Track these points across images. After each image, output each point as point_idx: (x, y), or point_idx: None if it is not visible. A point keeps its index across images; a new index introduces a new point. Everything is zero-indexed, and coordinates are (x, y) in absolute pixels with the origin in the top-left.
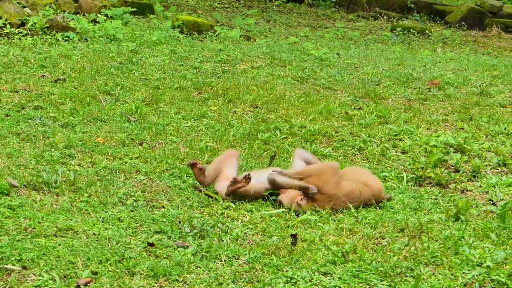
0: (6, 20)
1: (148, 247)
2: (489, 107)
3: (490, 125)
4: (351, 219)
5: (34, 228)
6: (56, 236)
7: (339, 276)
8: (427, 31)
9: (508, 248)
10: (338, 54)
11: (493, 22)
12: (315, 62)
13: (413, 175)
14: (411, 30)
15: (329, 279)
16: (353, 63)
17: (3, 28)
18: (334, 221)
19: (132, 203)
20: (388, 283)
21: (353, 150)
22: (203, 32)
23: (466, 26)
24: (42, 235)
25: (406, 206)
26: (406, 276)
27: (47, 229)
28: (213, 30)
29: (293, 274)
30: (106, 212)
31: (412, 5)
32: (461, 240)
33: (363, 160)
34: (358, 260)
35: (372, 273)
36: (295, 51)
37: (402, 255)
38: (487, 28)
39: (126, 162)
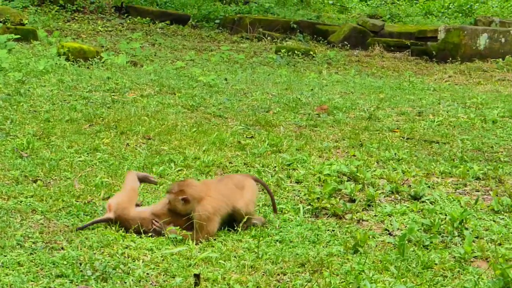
0: None
1: None
2: (378, 132)
3: (381, 151)
4: (252, 255)
5: None
6: None
7: None
8: (311, 52)
9: (408, 281)
10: (226, 79)
11: (375, 42)
12: (204, 88)
13: (309, 206)
14: (296, 52)
15: None
16: (241, 89)
17: None
18: (235, 257)
19: (31, 246)
20: None
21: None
22: (90, 59)
23: (349, 45)
24: None
25: (304, 239)
26: None
27: None
28: (99, 57)
29: None
30: (5, 256)
31: (295, 26)
32: (362, 274)
33: (259, 191)
34: None
35: None
36: (183, 77)
37: None
38: (370, 47)
39: (21, 201)
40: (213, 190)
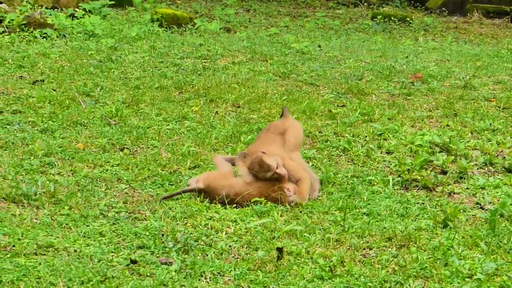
0: None
1: (131, 264)
2: (473, 101)
3: (475, 121)
4: (338, 228)
5: (13, 246)
6: (36, 254)
7: None
8: (408, 19)
9: (498, 258)
10: (319, 46)
11: (474, 8)
12: (297, 55)
13: (399, 178)
14: (392, 18)
15: None
16: (335, 56)
17: None
18: (321, 230)
19: (114, 215)
20: None
21: (337, 151)
22: (183, 25)
23: (447, 12)
24: (22, 254)
25: (393, 213)
26: None
27: (27, 247)
28: (192, 23)
29: None
30: (87, 226)
31: None
32: (450, 250)
33: (348, 162)
34: (346, 275)
35: None
36: (276, 44)
37: (390, 268)
38: (468, 14)
39: (107, 170)
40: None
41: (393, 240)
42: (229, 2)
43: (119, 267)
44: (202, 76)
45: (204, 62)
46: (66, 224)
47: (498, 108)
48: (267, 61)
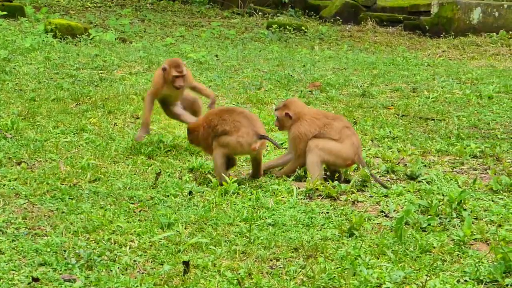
0: None
1: (33, 282)
2: (372, 109)
3: (375, 129)
4: (243, 240)
5: None
6: None
7: None
8: (303, 28)
9: (406, 267)
10: (216, 56)
11: (367, 16)
12: (194, 65)
13: (302, 188)
14: (287, 27)
15: None
16: (232, 66)
17: None
18: (226, 242)
19: (13, 232)
20: None
21: (240, 161)
22: (78, 36)
23: (341, 20)
24: None
25: (298, 222)
26: None
27: None
28: (87, 33)
29: None
30: None
31: (287, 0)
32: (358, 259)
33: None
34: (254, 287)
35: None
36: (172, 54)
37: (299, 279)
38: (362, 22)
39: (4, 185)
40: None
41: (300, 250)
42: (123, 12)
43: (20, 285)
44: (99, 87)
45: (101, 73)
46: None
47: (397, 116)
48: None
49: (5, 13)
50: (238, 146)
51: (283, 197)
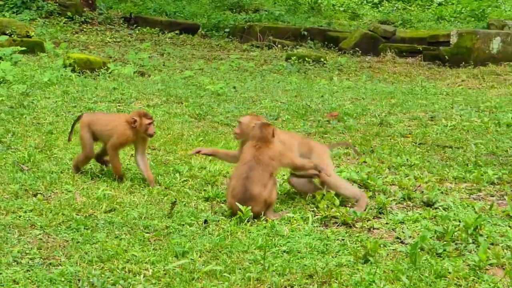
0: None
1: None
2: (389, 138)
3: (392, 157)
4: (258, 267)
5: None
6: None
7: None
8: (322, 59)
9: None
10: (234, 87)
11: (387, 47)
12: (212, 97)
13: (318, 215)
14: (306, 59)
15: None
16: (250, 97)
17: None
18: (241, 269)
19: (28, 262)
20: None
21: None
22: (96, 70)
23: (360, 52)
24: None
25: (313, 249)
26: None
27: None
28: (106, 67)
29: None
30: (0, 274)
31: (306, 33)
32: (372, 285)
33: None
34: None
35: None
36: (191, 86)
37: None
38: (382, 53)
39: (20, 216)
40: None
41: (314, 277)
42: (142, 47)
43: None
44: None
45: (118, 105)
46: None
47: (414, 144)
48: (182, 103)
49: (24, 48)
50: None
51: (298, 225)
